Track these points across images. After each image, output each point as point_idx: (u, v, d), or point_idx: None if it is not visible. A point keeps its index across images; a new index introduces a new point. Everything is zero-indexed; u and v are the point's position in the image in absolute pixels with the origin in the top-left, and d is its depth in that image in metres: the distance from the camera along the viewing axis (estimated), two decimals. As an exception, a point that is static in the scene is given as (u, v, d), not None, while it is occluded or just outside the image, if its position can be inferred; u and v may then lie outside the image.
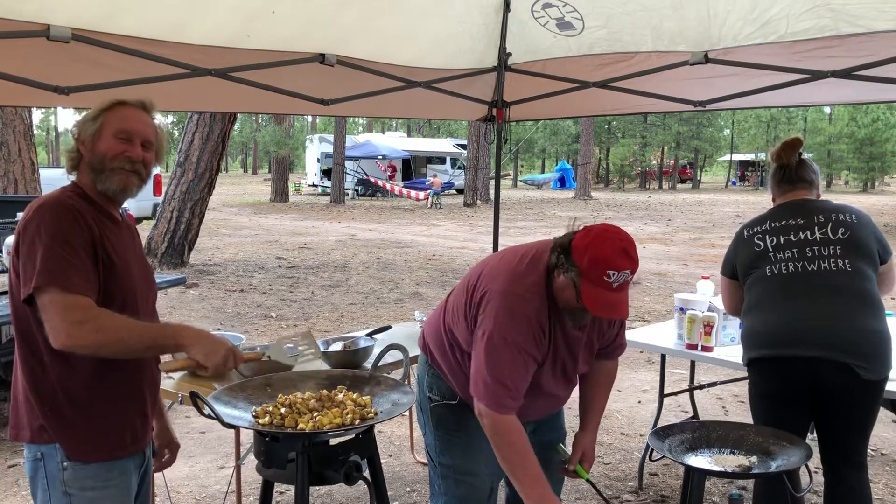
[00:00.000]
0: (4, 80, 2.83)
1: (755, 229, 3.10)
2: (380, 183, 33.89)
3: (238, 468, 3.50)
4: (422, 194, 30.43)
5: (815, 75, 3.34)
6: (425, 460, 4.59)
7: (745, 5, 3.21)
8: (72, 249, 1.94)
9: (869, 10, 2.94)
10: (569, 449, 2.77)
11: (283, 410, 2.43)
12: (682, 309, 4.01)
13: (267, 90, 3.52)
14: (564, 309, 2.40)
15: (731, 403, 5.83)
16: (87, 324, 1.89)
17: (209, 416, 2.30)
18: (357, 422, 2.40)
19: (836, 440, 2.95)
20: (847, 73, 3.25)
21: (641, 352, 7.01)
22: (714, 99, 3.94)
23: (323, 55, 3.44)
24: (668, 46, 3.59)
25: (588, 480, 2.72)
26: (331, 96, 3.86)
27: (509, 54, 4.08)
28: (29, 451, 2.06)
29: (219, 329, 7.80)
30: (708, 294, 4.17)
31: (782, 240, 3.00)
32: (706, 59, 3.47)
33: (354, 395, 2.57)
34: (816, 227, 2.96)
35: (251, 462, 3.85)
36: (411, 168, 37.45)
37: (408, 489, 4.28)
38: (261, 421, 2.39)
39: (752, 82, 3.62)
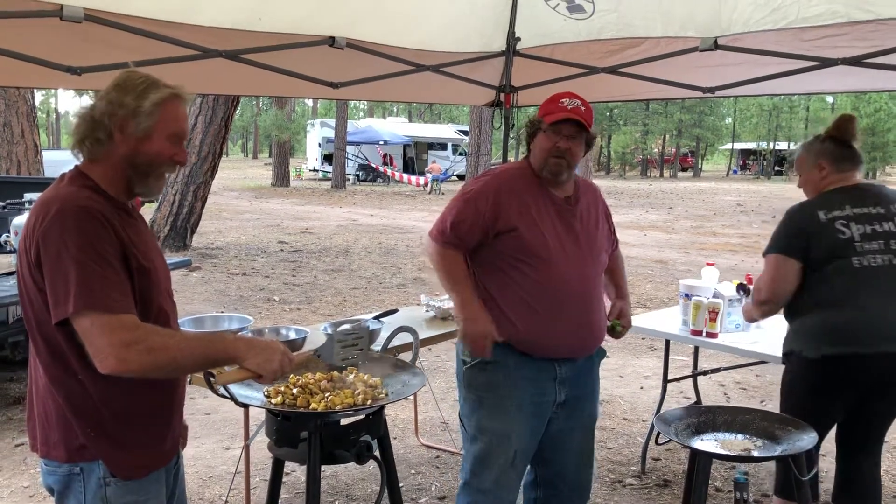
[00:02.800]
0: (18, 59, 2.83)
1: (835, 214, 2.86)
2: (381, 168, 33.83)
3: (247, 448, 3.53)
4: (422, 179, 30.40)
5: (825, 63, 3.34)
6: (430, 443, 4.66)
7: (756, -10, 3.21)
8: (106, 263, 1.78)
9: (882, -3, 2.94)
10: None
11: (295, 391, 2.45)
12: (687, 295, 4.03)
13: (277, 72, 3.52)
14: (542, 166, 2.75)
15: (732, 390, 5.86)
16: (135, 346, 1.76)
17: (223, 396, 2.32)
18: (368, 402, 2.44)
19: (871, 429, 2.96)
20: (857, 61, 3.25)
21: (643, 338, 7.03)
22: (723, 86, 3.94)
23: (333, 38, 3.44)
24: (677, 32, 3.59)
25: (616, 329, 2.96)
26: (340, 79, 3.86)
27: (518, 39, 4.08)
28: (59, 466, 1.91)
29: (223, 311, 7.82)
30: (713, 280, 4.19)
31: (868, 229, 2.83)
32: (716, 46, 3.47)
33: (365, 377, 2.59)
34: (895, 219, 2.86)
35: (256, 443, 3.88)
36: (413, 154, 37.33)
37: (412, 471, 4.31)
38: (273, 401, 2.42)
39: (761, 70, 3.62)
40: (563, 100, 2.71)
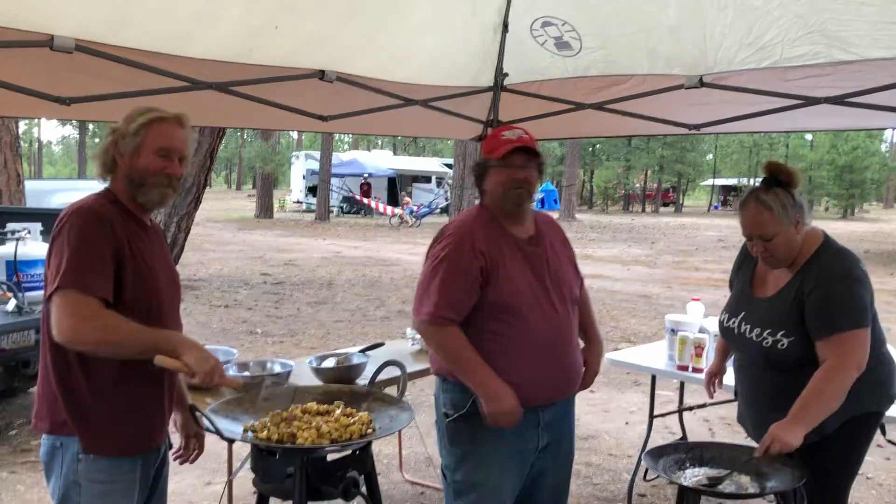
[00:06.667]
0: (6, 89, 2.81)
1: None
2: (365, 200, 33.88)
3: (230, 483, 3.48)
4: (389, 209, 30.47)
5: (809, 101, 3.39)
6: (414, 479, 4.60)
7: (741, 30, 3.26)
8: (96, 253, 2.07)
9: (863, 38, 2.99)
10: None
11: (267, 419, 2.44)
12: (673, 330, 4.04)
13: (267, 105, 3.52)
14: (502, 201, 2.70)
15: (717, 426, 5.85)
16: (92, 321, 2.01)
17: (208, 430, 2.30)
18: (355, 437, 2.40)
19: None
20: (840, 100, 3.31)
21: (628, 373, 7.03)
22: (708, 123, 3.98)
23: (323, 72, 3.46)
24: (663, 69, 3.63)
25: None
26: (329, 112, 3.87)
27: (506, 74, 4.12)
28: (47, 439, 2.18)
29: (205, 344, 7.73)
30: (699, 316, 4.20)
31: None
32: (701, 84, 3.51)
33: (352, 411, 2.57)
34: None
35: (239, 477, 3.81)
36: (397, 187, 37.39)
37: (397, 507, 4.26)
38: (259, 435, 2.39)
39: (745, 107, 3.66)
40: (504, 133, 2.73)
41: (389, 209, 31.05)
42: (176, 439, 2.57)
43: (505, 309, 2.62)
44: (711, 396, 3.44)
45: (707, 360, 3.88)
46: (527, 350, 2.64)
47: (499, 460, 2.67)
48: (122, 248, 2.13)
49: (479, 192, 2.81)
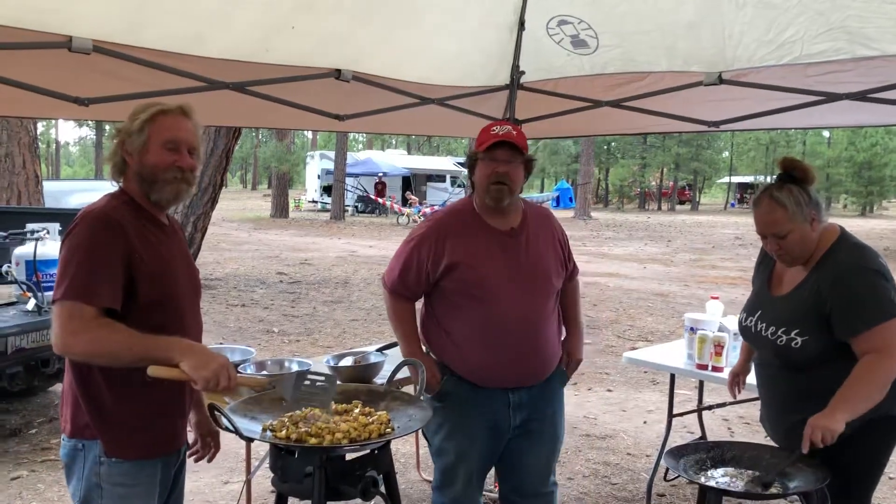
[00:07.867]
0: (26, 90, 2.83)
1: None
2: (380, 200, 33.95)
3: (248, 482, 3.48)
4: (403, 209, 30.59)
5: (830, 97, 3.35)
6: (431, 478, 4.59)
7: (761, 27, 3.23)
8: (103, 261, 2.03)
9: (885, 34, 2.95)
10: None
11: (286, 419, 2.42)
12: (692, 328, 4.01)
13: (283, 105, 3.52)
14: (484, 194, 2.84)
15: (736, 425, 5.81)
16: (82, 335, 1.99)
17: (227, 430, 2.30)
18: (374, 436, 2.39)
19: None
20: (862, 96, 3.27)
21: (645, 371, 6.99)
22: (727, 120, 3.95)
23: (339, 71, 3.45)
24: (681, 67, 3.60)
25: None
26: (345, 112, 3.87)
27: (522, 72, 4.10)
28: (68, 441, 2.17)
29: (221, 343, 7.76)
30: (718, 314, 4.17)
31: None
32: (720, 81, 3.48)
33: (370, 410, 2.56)
34: None
35: (258, 476, 3.82)
36: (411, 186, 37.42)
37: (414, 507, 4.25)
38: (278, 434, 2.38)
39: (765, 104, 3.63)
40: (494, 128, 2.85)
41: (404, 209, 31.14)
42: (190, 438, 2.56)
43: (475, 290, 2.82)
44: (734, 396, 3.40)
45: (727, 359, 3.85)
46: (493, 332, 2.82)
47: (468, 432, 2.92)
48: (134, 251, 2.08)
49: (470, 183, 2.96)
